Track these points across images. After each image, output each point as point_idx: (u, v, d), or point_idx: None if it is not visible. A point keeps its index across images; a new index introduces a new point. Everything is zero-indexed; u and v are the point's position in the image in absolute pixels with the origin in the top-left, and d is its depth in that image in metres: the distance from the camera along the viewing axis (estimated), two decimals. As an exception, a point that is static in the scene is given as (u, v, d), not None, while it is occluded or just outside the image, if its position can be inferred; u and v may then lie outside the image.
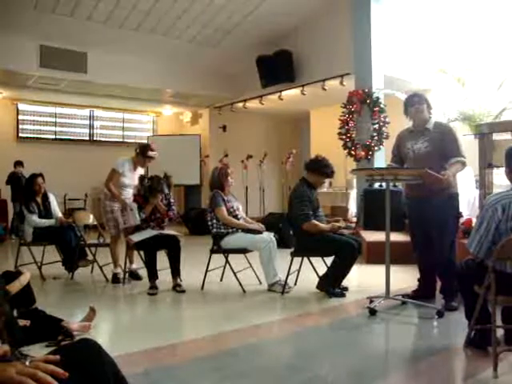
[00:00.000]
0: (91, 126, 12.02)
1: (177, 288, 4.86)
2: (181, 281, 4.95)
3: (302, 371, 2.81)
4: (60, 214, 5.91)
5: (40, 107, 11.28)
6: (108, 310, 4.08)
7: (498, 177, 4.63)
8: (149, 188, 5.12)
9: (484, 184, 5.08)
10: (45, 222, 5.59)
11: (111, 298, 4.80)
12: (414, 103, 4.20)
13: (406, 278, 5.07)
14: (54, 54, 8.62)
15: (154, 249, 4.96)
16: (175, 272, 4.96)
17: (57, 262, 5.74)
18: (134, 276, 5.44)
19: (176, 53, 9.70)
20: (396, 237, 5.81)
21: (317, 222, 4.62)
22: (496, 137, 5.23)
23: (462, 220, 5.57)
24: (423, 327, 3.81)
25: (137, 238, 4.98)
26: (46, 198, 5.79)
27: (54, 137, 11.47)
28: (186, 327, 3.82)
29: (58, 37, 8.47)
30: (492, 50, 7.59)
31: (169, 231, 5.20)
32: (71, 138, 11.73)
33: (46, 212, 5.70)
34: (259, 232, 4.91)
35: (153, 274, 4.89)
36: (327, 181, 5.11)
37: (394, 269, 5.17)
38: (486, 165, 5.09)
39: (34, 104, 11.15)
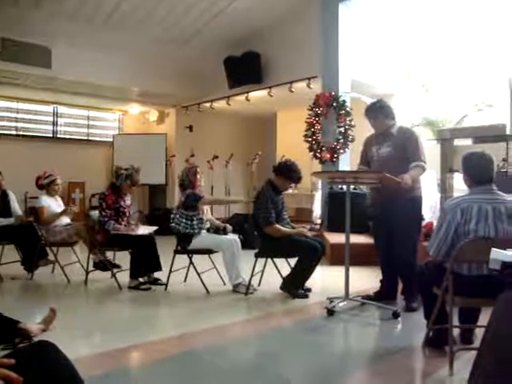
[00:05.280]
0: (55, 123, 11.74)
1: (158, 282, 5.04)
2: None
3: (265, 372, 2.83)
4: (20, 213, 5.76)
5: (0, 102, 10.95)
6: (69, 311, 3.99)
7: (459, 181, 4.76)
8: (126, 177, 5.15)
9: (445, 188, 5.21)
10: (3, 221, 5.43)
11: (72, 299, 4.70)
12: (369, 118, 4.38)
13: (368, 280, 5.14)
14: (16, 48, 8.37)
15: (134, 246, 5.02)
16: (153, 268, 5.03)
17: (16, 261, 5.58)
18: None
19: (143, 51, 9.58)
20: (359, 239, 5.91)
21: (279, 227, 4.64)
22: (457, 142, 5.38)
23: (423, 223, 5.70)
24: (383, 328, 3.87)
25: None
26: (5, 196, 5.62)
27: (15, 133, 11.15)
28: (148, 328, 3.77)
29: (21, 30, 8.21)
30: (455, 58, 7.79)
31: (143, 229, 5.23)
32: (33, 134, 11.43)
33: (5, 210, 5.53)
34: (225, 232, 4.92)
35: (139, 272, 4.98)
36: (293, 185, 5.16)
37: (357, 270, 5.28)
38: (447, 169, 5.23)
39: (-7, 98, 10.82)
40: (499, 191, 2.98)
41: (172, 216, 4.91)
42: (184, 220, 4.83)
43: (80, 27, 8.53)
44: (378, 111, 4.31)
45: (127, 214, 5.27)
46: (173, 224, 4.88)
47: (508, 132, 5.11)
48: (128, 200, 5.31)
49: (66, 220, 5.59)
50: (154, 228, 5.37)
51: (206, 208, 5.15)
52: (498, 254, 2.31)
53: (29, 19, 8.06)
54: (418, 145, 4.19)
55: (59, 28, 8.40)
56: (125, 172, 5.19)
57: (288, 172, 4.77)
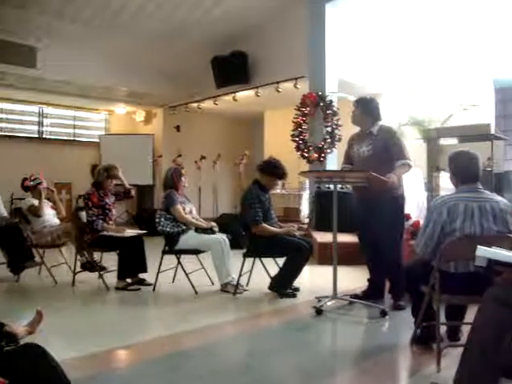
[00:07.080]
0: (40, 123, 11.64)
1: (145, 282, 5.01)
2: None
3: (253, 371, 2.83)
4: (5, 214, 5.71)
5: (-16, 102, 10.84)
6: (56, 313, 3.95)
7: (445, 180, 4.80)
8: (104, 171, 5.18)
9: (431, 187, 5.26)
10: (-13, 223, 5.39)
11: (59, 300, 4.65)
12: (354, 107, 4.37)
13: (356, 279, 5.16)
14: (0, 47, 8.28)
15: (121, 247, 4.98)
16: (139, 270, 5.03)
17: (1, 263, 5.52)
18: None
19: (130, 50, 9.53)
20: (347, 238, 5.92)
21: (267, 226, 4.64)
22: (443, 141, 5.44)
23: (410, 222, 5.74)
24: (371, 326, 3.89)
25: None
26: (-11, 197, 5.59)
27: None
28: (136, 329, 3.76)
29: (6, 29, 8.14)
30: (441, 58, 7.85)
31: (132, 231, 5.25)
32: (19, 134, 11.32)
33: (-10, 212, 5.50)
34: (212, 232, 4.90)
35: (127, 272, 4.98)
36: (280, 182, 5.17)
37: (345, 269, 5.30)
38: (433, 168, 5.28)
39: (-23, 99, 10.70)
40: (485, 190, 3.02)
41: (157, 220, 4.88)
42: (169, 221, 4.83)
43: (66, 27, 8.47)
44: (359, 105, 4.32)
45: (113, 212, 5.29)
46: (159, 227, 4.85)
47: (492, 131, 5.16)
48: (112, 198, 5.31)
49: (55, 220, 5.56)
50: (143, 232, 5.34)
51: (191, 208, 5.13)
52: (484, 252, 2.33)
53: (14, 18, 7.98)
54: (400, 143, 4.20)
55: (45, 27, 8.33)
56: (101, 167, 5.32)
57: (272, 168, 4.79)
